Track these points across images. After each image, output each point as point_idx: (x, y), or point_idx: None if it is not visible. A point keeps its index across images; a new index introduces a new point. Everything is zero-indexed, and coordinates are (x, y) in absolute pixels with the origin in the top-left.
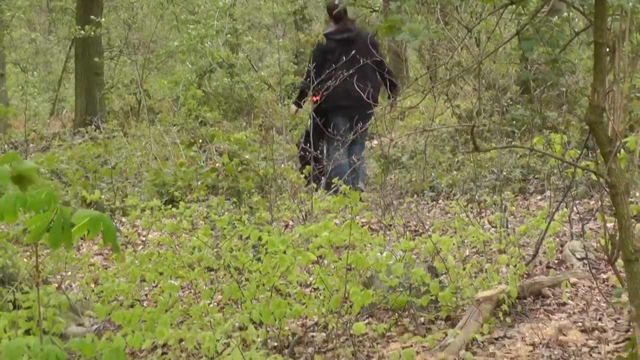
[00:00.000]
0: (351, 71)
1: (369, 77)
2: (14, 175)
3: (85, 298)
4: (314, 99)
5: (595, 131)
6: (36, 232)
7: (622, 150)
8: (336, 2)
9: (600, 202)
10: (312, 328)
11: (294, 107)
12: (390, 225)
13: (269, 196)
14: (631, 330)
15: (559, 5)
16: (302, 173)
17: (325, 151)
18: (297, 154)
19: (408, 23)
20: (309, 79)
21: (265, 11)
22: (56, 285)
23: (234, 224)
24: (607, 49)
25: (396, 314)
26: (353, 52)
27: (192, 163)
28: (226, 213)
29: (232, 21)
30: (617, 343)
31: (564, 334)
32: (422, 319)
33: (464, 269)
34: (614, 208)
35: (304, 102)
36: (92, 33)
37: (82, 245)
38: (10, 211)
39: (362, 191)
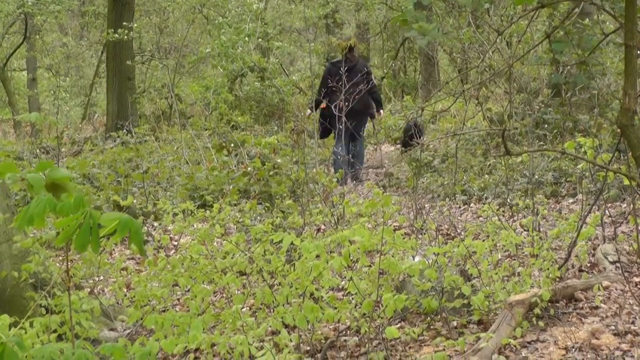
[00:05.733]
0: (351, 90)
1: (363, 95)
2: (48, 183)
3: (118, 303)
4: (323, 107)
5: (627, 134)
6: (65, 235)
7: None
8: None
9: (632, 205)
10: (344, 332)
11: (308, 111)
12: (422, 229)
13: (300, 200)
14: None
15: (589, 8)
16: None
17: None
18: (329, 158)
19: (434, 24)
20: (320, 92)
21: (296, 15)
22: (88, 290)
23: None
24: (638, 52)
25: (429, 318)
26: (352, 76)
27: (224, 167)
28: (258, 218)
29: (264, 25)
30: None
31: (596, 338)
32: (454, 323)
33: (497, 272)
34: None
35: (317, 108)
36: (125, 37)
37: (114, 250)
38: (40, 216)
39: (358, 178)
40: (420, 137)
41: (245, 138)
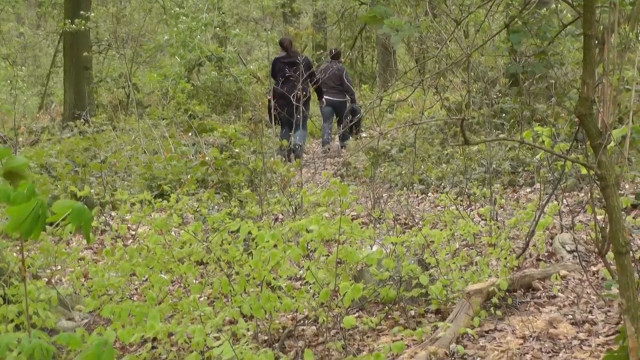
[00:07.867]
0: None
1: (304, 86)
2: (5, 171)
3: (75, 292)
4: (269, 97)
5: (585, 123)
6: (14, 223)
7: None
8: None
9: (590, 195)
10: (302, 322)
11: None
12: (380, 218)
13: (258, 190)
14: (621, 322)
15: None
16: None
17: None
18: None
19: (395, 16)
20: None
21: (253, 4)
22: (46, 279)
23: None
24: (596, 41)
25: (386, 308)
26: (292, 69)
27: (182, 157)
28: (216, 207)
29: (221, 14)
30: (607, 336)
31: (554, 327)
32: (412, 312)
33: (454, 262)
34: (604, 200)
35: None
36: (82, 27)
37: (72, 239)
38: None
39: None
40: (354, 118)
41: (213, 125)
